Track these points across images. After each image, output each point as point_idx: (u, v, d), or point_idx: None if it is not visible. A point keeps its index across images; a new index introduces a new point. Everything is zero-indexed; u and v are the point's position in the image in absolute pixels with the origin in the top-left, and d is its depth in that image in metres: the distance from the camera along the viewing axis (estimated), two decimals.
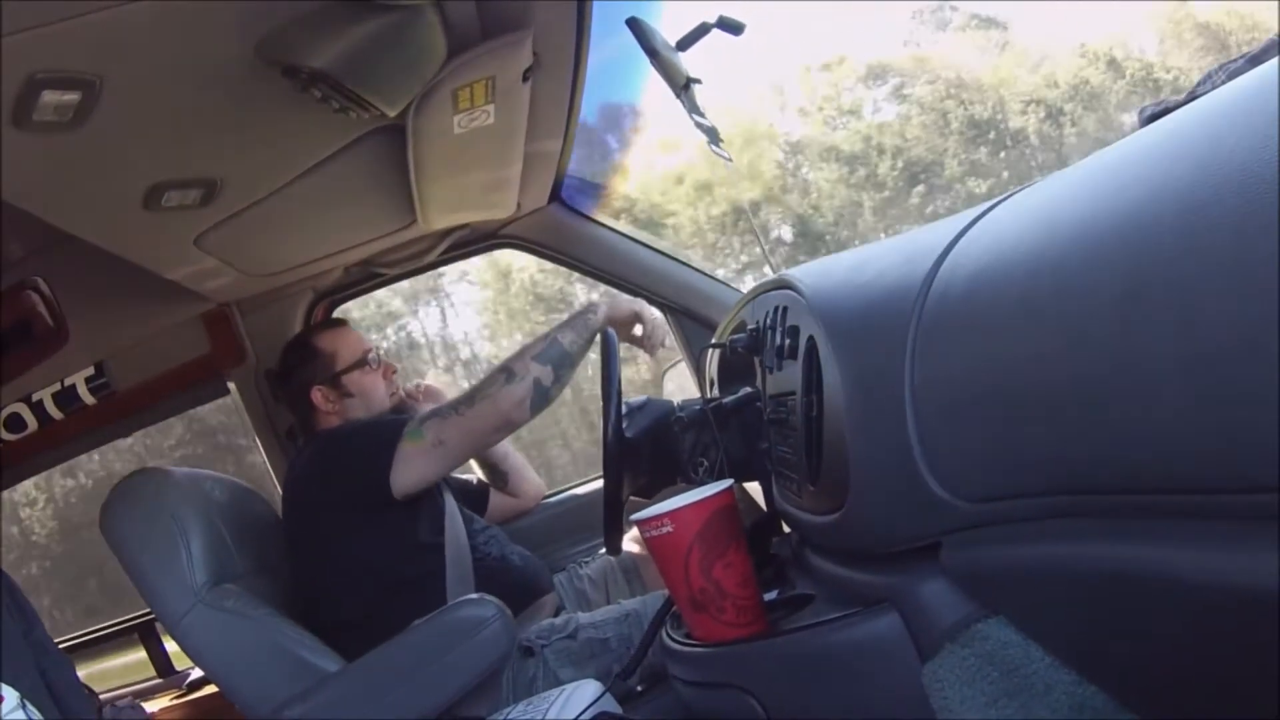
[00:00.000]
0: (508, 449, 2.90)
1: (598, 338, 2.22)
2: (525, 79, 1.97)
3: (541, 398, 2.15)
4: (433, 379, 2.94)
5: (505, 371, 2.13)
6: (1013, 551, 0.85)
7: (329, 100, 1.64)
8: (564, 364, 2.17)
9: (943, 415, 0.90)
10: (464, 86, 1.89)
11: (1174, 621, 0.70)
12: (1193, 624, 0.68)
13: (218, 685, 2.15)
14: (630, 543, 2.77)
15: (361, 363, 2.50)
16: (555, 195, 2.92)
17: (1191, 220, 0.57)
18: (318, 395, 2.45)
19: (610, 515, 1.74)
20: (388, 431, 2.18)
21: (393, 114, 1.81)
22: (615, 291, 2.91)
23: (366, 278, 3.04)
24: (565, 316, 2.29)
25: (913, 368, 0.93)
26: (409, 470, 2.14)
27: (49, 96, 1.39)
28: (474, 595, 2.04)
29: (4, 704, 1.28)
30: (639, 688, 1.97)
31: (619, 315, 2.23)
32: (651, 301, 2.95)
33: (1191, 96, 0.85)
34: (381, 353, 2.57)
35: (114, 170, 1.73)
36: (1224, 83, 0.83)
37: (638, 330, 2.34)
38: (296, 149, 1.99)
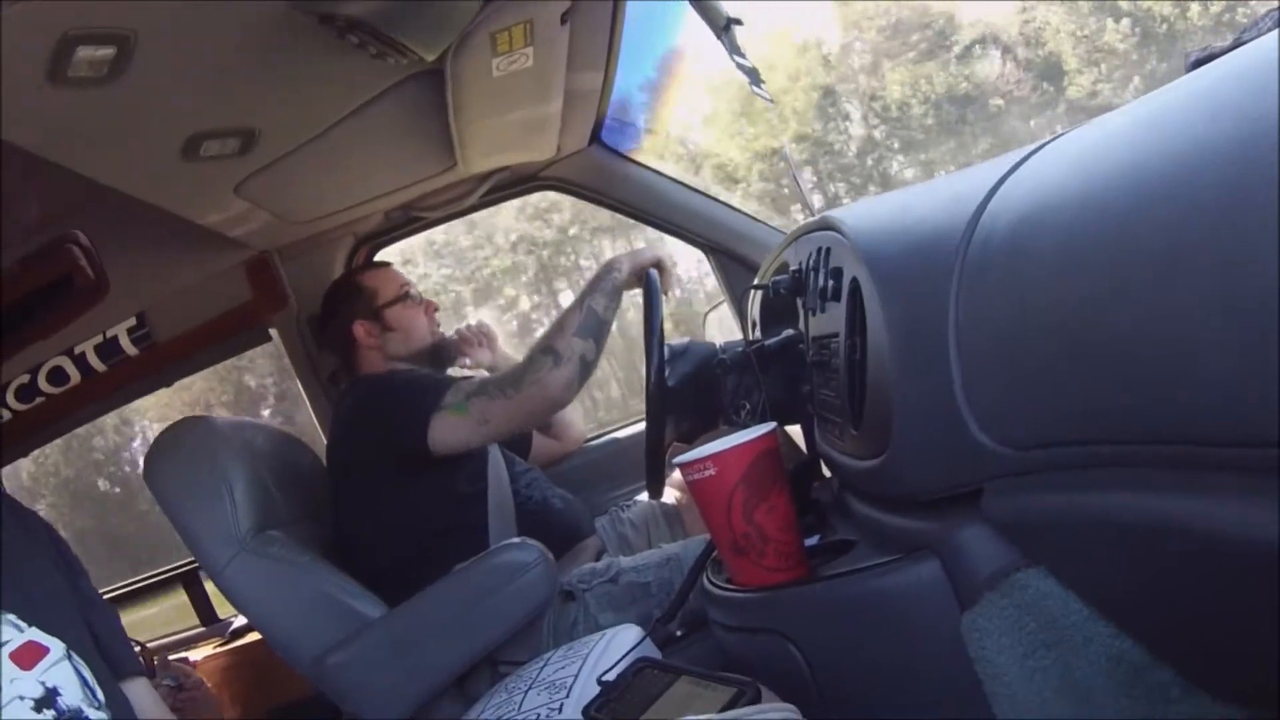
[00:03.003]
0: None
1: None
2: (564, 21, 1.95)
3: (587, 372, 2.13)
4: (483, 315, 2.94)
5: (551, 353, 2.10)
6: (1054, 500, 0.85)
7: (366, 46, 1.63)
8: (602, 332, 2.15)
9: (986, 361, 0.89)
10: (502, 30, 1.87)
11: (1213, 576, 0.69)
12: (1232, 580, 0.67)
13: (261, 632, 2.16)
14: (672, 488, 2.77)
15: (402, 297, 2.51)
16: (595, 137, 2.90)
17: (1235, 170, 0.56)
18: (360, 330, 2.47)
19: (652, 460, 1.74)
20: (429, 394, 2.18)
21: (430, 59, 1.80)
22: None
23: (407, 222, 3.04)
24: (592, 276, 2.27)
25: (957, 312, 0.92)
26: (449, 437, 2.14)
27: (84, 52, 1.39)
28: (516, 539, 2.05)
29: (49, 655, 1.30)
30: (679, 632, 1.97)
31: (643, 266, 2.21)
32: (693, 242, 2.94)
33: (1238, 43, 0.83)
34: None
35: (151, 122, 1.73)
36: (1269, 29, 0.80)
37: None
38: (335, 95, 1.98)
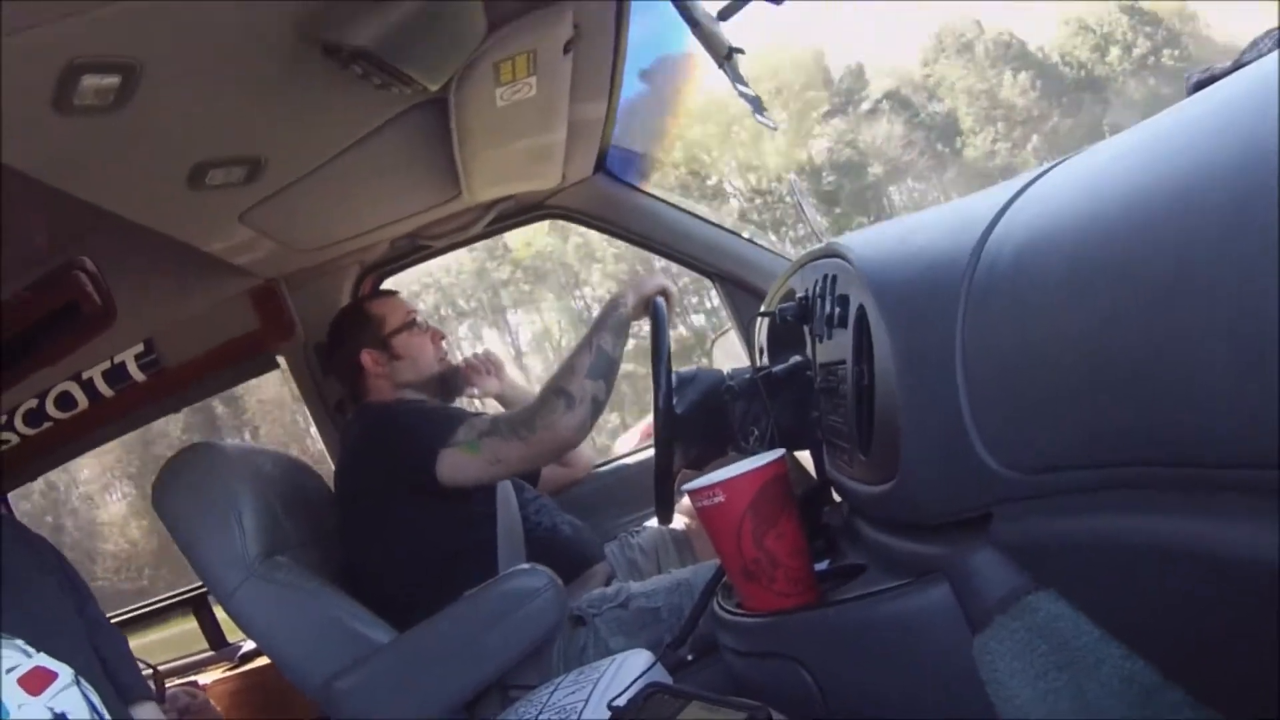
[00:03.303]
0: None
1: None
2: (567, 51, 1.97)
3: (598, 412, 2.14)
4: (490, 344, 2.95)
5: (564, 396, 2.11)
6: (1064, 523, 0.85)
7: (370, 77, 1.65)
8: (612, 371, 2.16)
9: (993, 385, 0.89)
10: (505, 60, 1.89)
11: (1220, 597, 0.69)
12: (1238, 600, 0.67)
13: (270, 657, 2.18)
14: (681, 515, 2.77)
15: (409, 324, 2.53)
16: (600, 165, 2.92)
17: (1238, 191, 0.57)
18: (367, 359, 2.48)
19: (661, 486, 1.75)
20: (438, 427, 2.19)
21: (434, 88, 1.81)
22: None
23: (413, 250, 3.06)
24: (598, 313, 2.28)
25: (964, 337, 0.93)
26: (458, 474, 2.16)
27: (89, 81, 1.40)
28: (525, 565, 2.06)
29: (57, 681, 1.30)
30: (690, 657, 1.96)
31: (649, 296, 2.21)
32: (699, 270, 2.95)
33: (1238, 65, 0.84)
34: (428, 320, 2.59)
35: (157, 151, 1.74)
36: (1270, 50, 0.81)
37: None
38: (340, 125, 2.00)
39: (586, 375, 2.12)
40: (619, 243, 3.11)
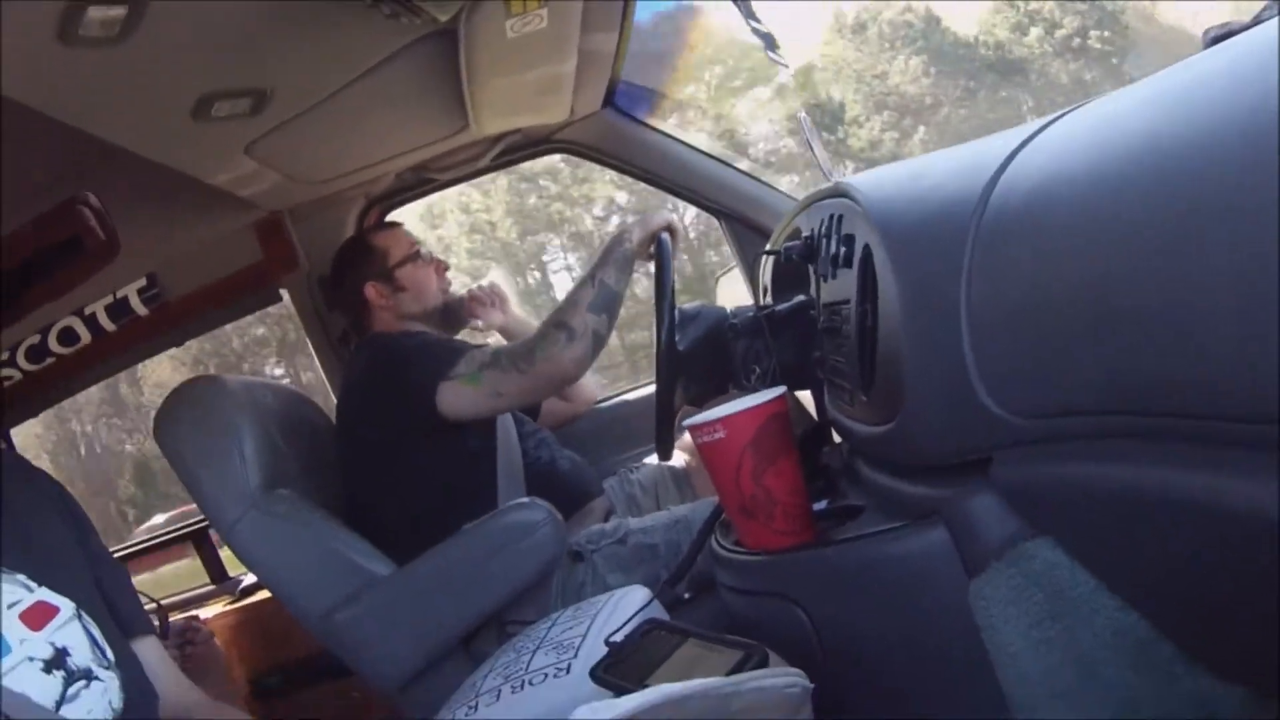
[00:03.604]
0: None
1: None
2: None
3: (599, 346, 2.14)
4: (496, 276, 2.94)
5: (564, 329, 2.11)
6: (1063, 469, 0.85)
7: (379, 6, 1.62)
8: (615, 305, 2.16)
9: (998, 329, 0.89)
10: None
11: (1215, 550, 0.70)
12: (1239, 557, 0.67)
13: (270, 590, 2.20)
14: (681, 451, 2.78)
15: (413, 256, 2.53)
16: (609, 100, 2.90)
17: (1253, 147, 0.56)
18: (371, 291, 2.48)
19: (662, 422, 1.75)
20: (440, 359, 2.19)
21: (444, 19, 1.79)
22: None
23: (419, 183, 3.04)
24: (602, 248, 2.27)
25: (969, 280, 0.92)
26: (459, 405, 2.16)
27: (94, 12, 1.38)
28: (524, 499, 2.07)
29: (59, 615, 1.30)
30: (686, 595, 1.98)
31: (654, 232, 2.20)
32: (705, 207, 2.94)
33: (1256, 21, 0.83)
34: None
35: (162, 83, 1.72)
36: None
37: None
38: (347, 55, 1.97)
39: (588, 309, 2.12)
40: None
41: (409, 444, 2.22)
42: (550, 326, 2.13)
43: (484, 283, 2.84)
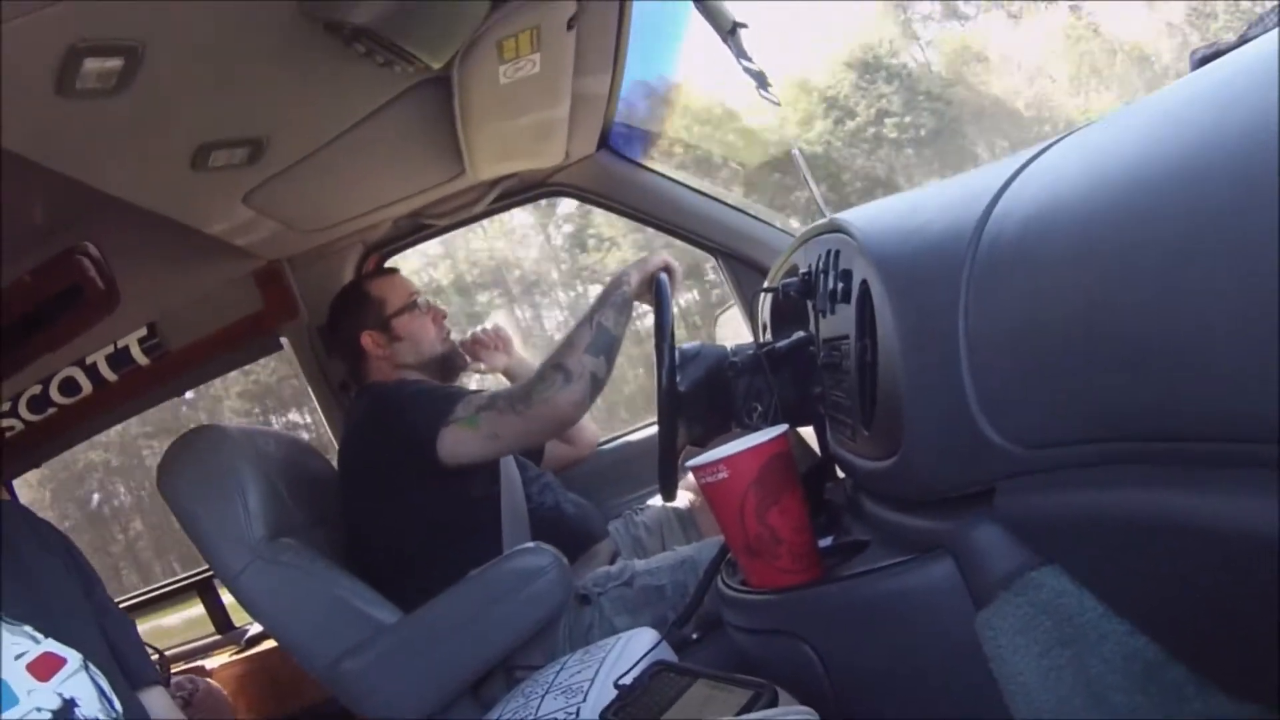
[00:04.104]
0: None
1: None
2: (570, 27, 1.96)
3: (597, 389, 2.14)
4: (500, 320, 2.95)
5: (562, 371, 2.11)
6: (1067, 498, 0.85)
7: (372, 55, 1.64)
8: (613, 348, 2.16)
9: (997, 360, 0.89)
10: (509, 37, 1.88)
11: (1221, 572, 0.69)
12: (1239, 576, 0.67)
13: (276, 639, 2.18)
14: (685, 491, 2.77)
15: (410, 306, 2.52)
16: (603, 142, 2.91)
17: (1245, 169, 0.56)
18: (368, 340, 2.48)
19: (665, 464, 1.75)
20: (439, 405, 2.19)
21: (437, 66, 1.80)
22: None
23: (416, 229, 3.05)
24: (600, 291, 2.27)
25: (967, 312, 0.92)
26: (458, 450, 2.15)
27: (91, 64, 1.40)
28: (530, 544, 2.06)
29: (67, 666, 1.30)
30: (694, 635, 1.97)
31: (652, 273, 2.20)
32: (702, 246, 2.94)
33: (1243, 40, 0.83)
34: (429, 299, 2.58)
35: (159, 133, 1.73)
36: (1274, 26, 0.81)
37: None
38: (342, 104, 1.99)
39: (586, 351, 2.12)
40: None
41: (412, 491, 2.21)
42: (547, 369, 2.13)
43: (488, 325, 2.84)
